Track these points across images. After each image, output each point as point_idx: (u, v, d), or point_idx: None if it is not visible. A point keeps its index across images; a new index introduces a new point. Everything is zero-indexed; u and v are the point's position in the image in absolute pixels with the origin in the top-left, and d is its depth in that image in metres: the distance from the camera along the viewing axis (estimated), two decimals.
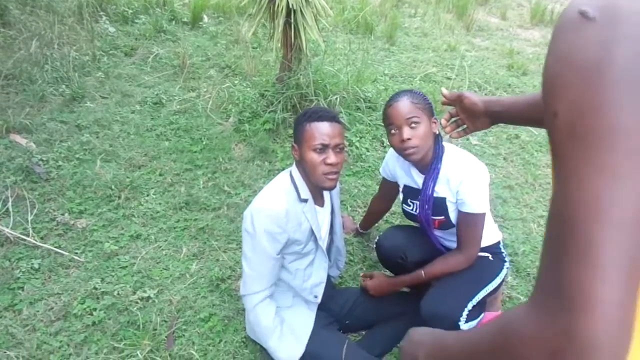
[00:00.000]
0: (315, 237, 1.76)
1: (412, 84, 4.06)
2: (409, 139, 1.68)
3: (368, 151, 3.15)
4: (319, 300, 1.86)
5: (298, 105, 3.24)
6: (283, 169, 2.89)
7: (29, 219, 2.35)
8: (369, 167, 3.03)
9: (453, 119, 1.57)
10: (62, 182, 2.62)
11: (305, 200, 1.70)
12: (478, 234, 1.77)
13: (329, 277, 1.98)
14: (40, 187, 2.56)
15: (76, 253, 2.23)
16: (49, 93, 3.37)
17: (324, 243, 1.84)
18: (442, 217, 1.82)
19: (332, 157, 1.63)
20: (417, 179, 1.87)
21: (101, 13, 4.60)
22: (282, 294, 1.84)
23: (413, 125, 1.70)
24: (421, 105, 1.74)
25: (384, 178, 2.14)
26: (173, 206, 2.57)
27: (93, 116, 3.20)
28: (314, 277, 1.84)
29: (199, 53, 4.26)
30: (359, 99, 3.41)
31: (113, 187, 2.61)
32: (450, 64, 4.60)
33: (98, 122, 3.16)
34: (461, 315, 1.68)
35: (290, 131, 3.19)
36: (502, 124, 2.01)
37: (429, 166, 1.78)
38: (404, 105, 1.71)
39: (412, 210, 1.93)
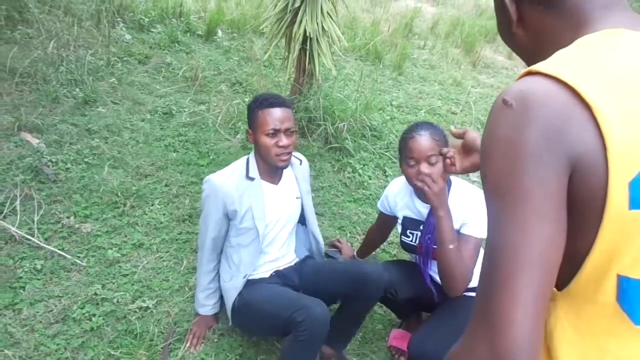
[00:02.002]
0: (253, 216, 1.86)
1: (417, 116, 4.15)
2: (427, 172, 1.73)
3: (370, 179, 3.22)
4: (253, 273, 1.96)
5: (306, 128, 3.31)
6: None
7: (35, 219, 2.39)
8: (370, 194, 3.09)
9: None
10: (69, 184, 2.66)
11: (252, 179, 1.88)
12: (474, 257, 1.77)
13: (311, 256, 2.14)
14: (47, 188, 2.60)
15: (79, 257, 2.27)
16: (62, 95, 3.42)
17: (274, 226, 1.94)
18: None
19: (283, 140, 1.80)
20: (420, 209, 1.93)
21: (118, 19, 4.68)
22: (225, 268, 2.00)
23: (432, 162, 1.75)
24: (441, 143, 1.79)
25: (381, 212, 2.20)
26: (177, 218, 2.61)
27: (104, 121, 3.26)
28: (253, 253, 1.92)
29: (211, 67, 4.35)
30: (366, 127, 3.49)
31: (119, 194, 2.65)
32: (455, 98, 4.71)
33: (108, 127, 3.22)
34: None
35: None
36: None
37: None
38: (426, 141, 1.76)
39: (411, 241, 1.97)
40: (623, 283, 0.61)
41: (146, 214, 2.60)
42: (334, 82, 3.69)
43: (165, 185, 2.83)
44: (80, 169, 2.79)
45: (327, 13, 3.05)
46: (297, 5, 2.88)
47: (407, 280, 1.99)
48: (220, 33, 5.05)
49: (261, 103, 1.83)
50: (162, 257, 2.37)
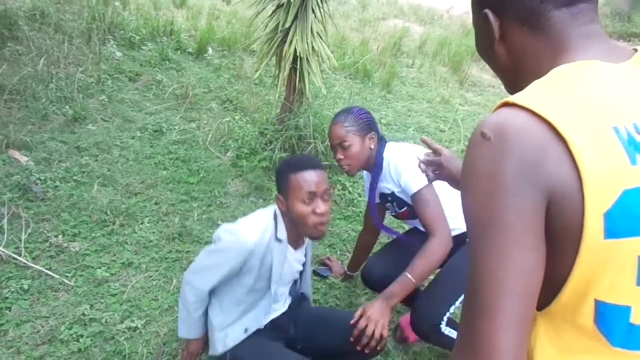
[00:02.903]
0: (270, 276, 1.70)
1: (406, 134, 4.20)
2: (340, 158, 1.96)
3: (360, 196, 3.24)
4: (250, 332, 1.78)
5: (296, 146, 3.33)
6: None
7: (23, 237, 2.36)
8: (360, 212, 3.11)
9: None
10: (58, 203, 2.64)
11: (280, 241, 1.68)
12: (433, 209, 1.78)
13: (304, 296, 1.97)
14: (35, 207, 2.58)
15: (67, 276, 2.24)
16: (52, 112, 3.42)
17: (282, 284, 1.78)
18: (405, 208, 1.98)
19: (321, 207, 1.61)
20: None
21: (109, 37, 4.71)
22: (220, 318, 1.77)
23: (344, 146, 1.94)
24: (351, 127, 1.94)
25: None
26: (166, 236, 2.60)
27: (93, 139, 3.25)
28: (259, 310, 1.76)
29: (202, 84, 4.37)
30: None
31: (108, 212, 2.64)
32: (443, 116, 4.77)
33: (98, 145, 3.21)
34: (442, 320, 1.78)
35: None
36: None
37: (372, 170, 2.02)
38: (336, 130, 1.96)
39: (391, 212, 2.15)
40: (600, 307, 0.63)
41: (135, 233, 2.58)
42: (324, 100, 3.73)
43: (155, 204, 2.82)
44: (69, 187, 2.78)
45: (317, 33, 3.10)
46: (287, 25, 2.92)
47: (395, 262, 1.95)
48: (210, 51, 5.10)
49: (293, 166, 1.63)
50: (151, 276, 2.35)
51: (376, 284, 2.08)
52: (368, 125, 1.99)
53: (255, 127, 3.57)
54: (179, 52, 4.94)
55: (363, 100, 4.37)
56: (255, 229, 1.64)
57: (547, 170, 0.59)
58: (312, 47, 3.05)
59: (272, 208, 1.74)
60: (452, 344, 1.52)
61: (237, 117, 3.86)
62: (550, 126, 0.60)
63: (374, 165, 2.00)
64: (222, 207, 2.91)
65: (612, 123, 0.61)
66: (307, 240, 1.85)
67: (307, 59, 3.05)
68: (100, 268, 2.32)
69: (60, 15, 5.03)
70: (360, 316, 1.66)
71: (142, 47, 4.75)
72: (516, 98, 0.65)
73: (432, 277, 2.10)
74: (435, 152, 1.37)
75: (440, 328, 1.77)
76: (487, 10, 0.76)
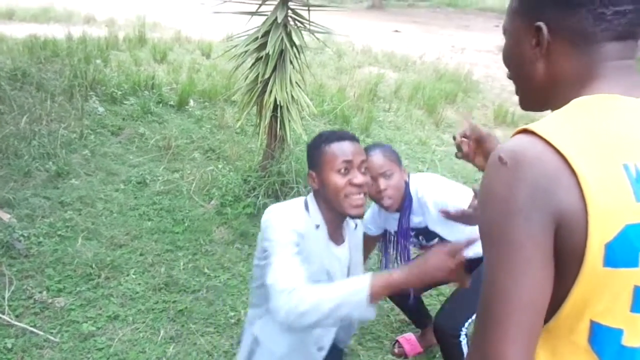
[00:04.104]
0: (329, 273, 1.47)
1: None
2: (385, 189, 1.85)
3: None
4: (323, 353, 1.55)
5: (279, 192, 3.39)
6: None
7: (6, 295, 2.33)
8: None
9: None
10: (42, 259, 2.63)
11: (317, 226, 1.47)
12: None
13: (335, 345, 1.67)
14: (19, 264, 2.56)
15: (52, 333, 2.21)
16: (35, 168, 3.44)
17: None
18: (436, 240, 1.99)
19: (358, 177, 1.43)
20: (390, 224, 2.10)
21: (91, 93, 4.79)
22: (277, 334, 1.47)
23: (387, 177, 1.86)
24: (392, 157, 1.91)
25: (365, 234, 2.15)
26: (153, 287, 2.59)
27: (77, 193, 3.26)
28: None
29: (184, 135, 4.44)
30: None
31: (93, 265, 2.63)
32: (421, 157, 4.90)
33: (82, 199, 3.22)
34: (463, 327, 1.89)
35: None
36: None
37: (402, 205, 1.95)
38: (378, 159, 1.86)
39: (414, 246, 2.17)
40: (595, 328, 0.68)
41: (121, 285, 2.57)
42: (305, 146, 3.83)
43: (140, 255, 2.82)
44: (53, 242, 2.77)
45: (296, 82, 3.23)
46: (267, 76, 3.04)
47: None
48: (192, 103, 5.20)
49: (327, 137, 1.48)
50: (138, 328, 2.32)
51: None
52: (400, 159, 1.98)
53: (238, 174, 3.63)
54: (160, 105, 5.03)
55: None
56: (289, 210, 1.47)
57: (557, 198, 0.64)
58: (292, 96, 3.16)
59: (300, 199, 1.56)
60: (461, 357, 1.57)
61: (220, 166, 3.92)
62: (564, 158, 0.64)
63: (404, 200, 1.93)
64: (208, 254, 2.92)
65: (623, 160, 0.65)
66: (347, 238, 1.60)
67: (287, 107, 3.17)
68: (86, 322, 2.29)
69: (42, 74, 5.13)
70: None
71: (124, 102, 4.83)
72: (536, 127, 0.69)
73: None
74: (472, 129, 1.26)
75: (460, 336, 1.89)
76: (541, 24, 0.75)
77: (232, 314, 2.50)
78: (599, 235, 0.63)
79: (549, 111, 0.81)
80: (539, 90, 0.81)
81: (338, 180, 1.42)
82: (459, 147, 1.29)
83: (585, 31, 0.73)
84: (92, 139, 4.04)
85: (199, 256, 2.89)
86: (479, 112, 6.76)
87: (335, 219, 1.50)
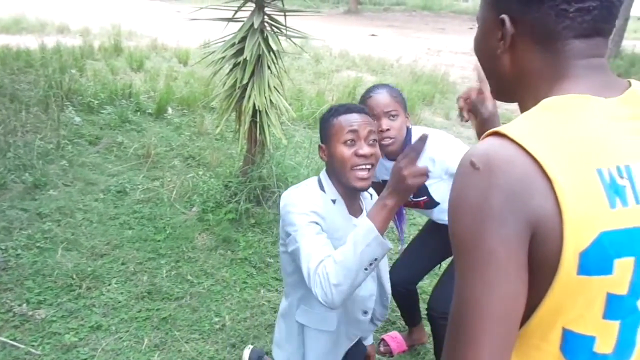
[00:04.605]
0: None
1: None
2: (388, 129, 1.75)
3: None
4: (368, 316, 1.61)
5: (260, 196, 3.40)
6: (246, 258, 2.99)
7: None
8: None
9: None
10: (20, 271, 2.59)
11: (334, 201, 1.49)
12: None
13: (359, 343, 1.72)
14: None
15: (33, 346, 2.18)
16: (10, 180, 3.38)
17: None
18: (425, 197, 1.94)
19: (364, 148, 1.42)
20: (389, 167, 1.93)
21: (67, 103, 4.75)
22: (325, 313, 1.52)
23: (392, 117, 1.77)
24: (399, 98, 1.81)
25: None
26: (135, 296, 2.57)
27: (55, 204, 3.22)
28: (364, 288, 1.54)
29: (163, 143, 4.42)
30: None
31: (74, 276, 2.60)
32: None
33: (60, 210, 3.18)
34: None
35: (253, 221, 3.32)
36: None
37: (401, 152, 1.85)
38: (384, 98, 1.77)
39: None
40: (567, 335, 0.67)
41: (103, 295, 2.54)
42: (285, 151, 3.84)
43: (122, 264, 2.79)
44: (31, 254, 2.73)
45: (274, 87, 3.24)
46: (245, 81, 3.05)
47: (414, 263, 2.19)
48: (170, 110, 5.18)
49: (336, 110, 1.49)
50: (121, 338, 2.30)
51: (401, 294, 2.19)
52: (406, 104, 1.88)
53: (219, 180, 3.63)
54: (138, 113, 5.00)
55: None
56: (304, 189, 1.49)
57: (531, 204, 0.62)
58: (270, 101, 3.18)
59: (314, 178, 1.58)
60: None
61: (200, 173, 3.91)
62: (537, 162, 0.62)
63: (403, 147, 1.82)
64: (191, 261, 2.91)
65: (596, 165, 0.63)
66: (365, 208, 1.60)
67: (266, 112, 3.18)
68: (68, 334, 2.26)
69: (16, 85, 5.06)
70: None
71: (101, 111, 4.79)
72: (507, 130, 0.66)
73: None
74: (480, 90, 1.24)
75: None
76: (504, 17, 0.74)
77: (217, 319, 2.50)
78: (574, 243, 0.61)
79: (515, 104, 0.81)
80: (505, 83, 0.80)
81: (344, 151, 1.42)
82: (460, 112, 1.28)
83: (548, 28, 0.71)
84: (70, 149, 4.00)
85: (181, 263, 2.88)
86: (456, 112, 6.85)
87: (348, 192, 1.50)
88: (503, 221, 0.62)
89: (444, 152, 1.84)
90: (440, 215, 2.06)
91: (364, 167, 1.43)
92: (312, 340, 1.55)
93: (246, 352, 2.19)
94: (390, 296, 1.77)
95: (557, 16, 0.70)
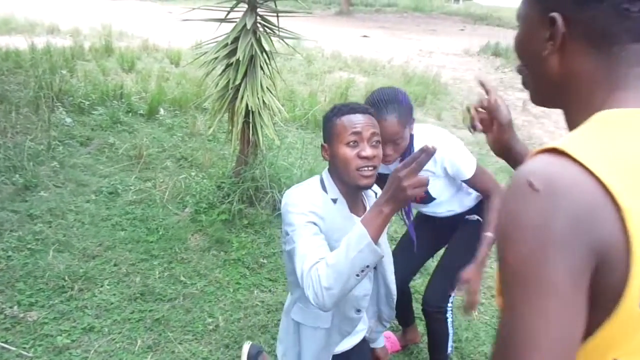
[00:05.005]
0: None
1: None
2: (390, 155, 1.76)
3: None
4: (361, 314, 1.61)
5: (253, 197, 3.40)
6: (239, 259, 2.99)
7: None
8: None
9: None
10: (11, 273, 2.56)
11: (334, 200, 1.49)
12: (488, 178, 1.95)
13: (365, 341, 1.74)
14: None
15: (24, 348, 2.16)
16: (1, 182, 3.36)
17: None
18: (424, 195, 1.97)
19: (367, 150, 1.42)
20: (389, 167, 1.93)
21: (58, 104, 4.71)
22: (316, 312, 1.54)
23: (396, 143, 1.76)
24: (405, 120, 1.76)
25: None
26: (128, 297, 2.56)
27: (46, 205, 3.20)
28: (358, 286, 1.48)
29: (155, 144, 4.41)
30: None
31: (66, 277, 2.58)
32: None
33: (51, 211, 3.16)
34: (448, 302, 2.07)
35: (246, 221, 3.31)
36: None
37: (404, 155, 1.84)
38: (392, 126, 1.72)
39: None
40: None
41: (95, 296, 2.53)
42: (278, 151, 3.85)
43: (114, 265, 2.78)
44: (22, 256, 2.71)
45: (267, 88, 3.25)
46: (238, 82, 3.05)
47: (407, 261, 2.16)
48: (162, 111, 5.16)
49: (340, 109, 1.49)
50: (114, 339, 2.29)
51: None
52: (412, 112, 1.83)
53: (212, 181, 3.62)
54: (130, 114, 4.98)
55: (315, 148, 4.53)
56: (305, 189, 1.49)
57: (597, 231, 0.56)
58: (263, 102, 3.18)
59: (316, 177, 1.58)
60: (445, 334, 1.81)
61: (193, 174, 3.90)
62: (603, 186, 0.56)
63: (404, 153, 1.85)
64: (184, 262, 2.90)
65: None
66: (369, 206, 1.59)
67: (258, 112, 3.18)
68: (60, 335, 2.25)
69: (5, 86, 5.02)
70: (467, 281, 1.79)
71: (93, 112, 4.76)
72: (567, 148, 0.59)
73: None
74: (489, 101, 1.19)
75: (446, 312, 2.05)
76: (556, 15, 0.67)
77: (210, 320, 2.49)
78: None
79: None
80: (551, 87, 0.73)
81: (347, 152, 1.42)
82: (472, 121, 1.20)
83: (605, 29, 0.64)
84: (61, 150, 3.97)
85: (174, 264, 2.87)
86: (448, 113, 6.89)
87: (351, 190, 1.51)
88: (567, 249, 0.56)
89: (445, 150, 1.87)
90: (434, 208, 2.09)
91: (366, 168, 1.43)
92: (307, 338, 1.57)
93: (245, 347, 2.20)
94: (395, 297, 1.76)
95: (618, 16, 0.63)
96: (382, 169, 2.00)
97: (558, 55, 0.69)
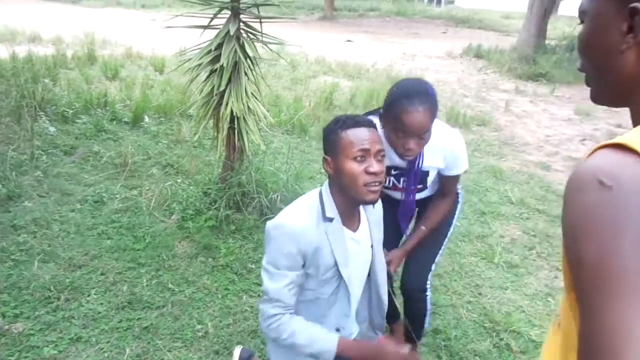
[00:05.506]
0: (336, 264, 1.51)
1: None
2: (413, 149, 1.70)
3: None
4: (341, 333, 1.61)
5: (240, 202, 3.40)
6: (227, 265, 2.99)
7: None
8: None
9: None
10: None
11: (330, 220, 1.50)
12: (455, 187, 2.07)
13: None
14: None
15: None
16: None
17: (351, 276, 1.59)
18: (421, 186, 2.01)
19: (375, 166, 1.43)
20: (395, 159, 1.89)
21: (41, 113, 4.67)
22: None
23: (421, 138, 1.70)
24: (434, 113, 1.70)
25: None
26: (115, 306, 2.54)
27: (30, 215, 3.17)
28: (338, 306, 1.60)
29: (140, 152, 4.38)
30: (298, 195, 3.62)
31: (52, 288, 2.56)
32: None
33: (36, 221, 3.13)
34: (428, 282, 2.13)
35: (233, 227, 3.31)
36: None
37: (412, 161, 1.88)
38: (423, 119, 1.64)
39: (385, 184, 2.00)
40: None
41: (82, 306, 2.51)
42: (264, 157, 3.85)
43: (101, 274, 2.76)
44: (6, 267, 2.67)
45: (252, 93, 3.26)
46: (222, 88, 3.06)
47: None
48: (147, 119, 5.14)
49: (344, 122, 1.47)
50: (102, 349, 2.28)
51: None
52: (437, 106, 1.75)
53: (198, 188, 3.61)
54: (114, 122, 4.95)
55: (301, 153, 4.54)
56: (298, 212, 1.49)
57: None
58: (248, 107, 3.19)
59: (317, 189, 1.59)
60: (426, 310, 1.94)
61: (179, 181, 3.89)
62: None
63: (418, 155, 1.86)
64: (172, 269, 2.89)
65: None
66: (363, 219, 1.64)
67: (244, 118, 3.19)
68: (47, 347, 2.22)
69: None
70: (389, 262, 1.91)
71: (76, 121, 4.72)
72: (632, 143, 0.57)
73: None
74: None
75: (426, 290, 2.14)
76: (638, 5, 0.62)
77: (199, 327, 2.49)
78: None
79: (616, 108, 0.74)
80: (623, 85, 0.69)
81: (354, 167, 1.42)
82: None
83: None
84: (44, 160, 3.93)
85: (162, 272, 2.86)
86: None
87: (352, 205, 1.52)
88: None
89: (452, 142, 1.90)
90: (418, 195, 2.09)
91: (374, 184, 1.44)
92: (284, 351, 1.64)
93: (237, 351, 2.19)
94: (386, 307, 1.79)
95: None
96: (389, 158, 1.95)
97: (636, 50, 0.65)
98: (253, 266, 3.02)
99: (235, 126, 3.20)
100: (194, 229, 3.24)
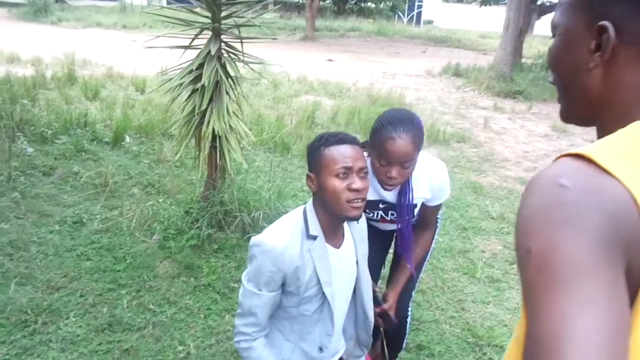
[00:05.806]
0: (319, 282, 1.51)
1: None
2: (395, 178, 1.68)
3: None
4: (324, 353, 1.61)
5: (223, 221, 3.38)
6: (209, 284, 2.96)
7: None
8: None
9: None
10: None
11: (314, 238, 1.50)
12: (435, 218, 2.08)
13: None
14: None
15: None
16: None
17: (335, 293, 1.58)
18: (409, 217, 1.96)
19: (357, 182, 1.43)
20: (380, 191, 1.88)
21: (19, 134, 4.62)
22: (280, 341, 1.60)
23: (405, 166, 1.67)
24: (418, 143, 1.68)
25: None
26: (95, 328, 2.49)
27: (7, 237, 3.11)
28: (321, 324, 1.60)
29: (121, 172, 4.35)
30: (280, 213, 3.62)
31: (29, 311, 2.51)
32: None
33: (12, 243, 3.07)
34: (409, 309, 2.18)
35: (216, 246, 3.29)
36: None
37: (402, 187, 1.84)
38: (405, 147, 1.63)
39: (373, 217, 2.00)
40: None
41: (60, 329, 2.46)
42: (246, 175, 3.85)
43: (80, 296, 2.71)
44: None
45: (233, 112, 3.27)
46: (204, 107, 3.07)
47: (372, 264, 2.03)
48: (128, 139, 5.11)
49: (327, 139, 1.47)
50: None
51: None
52: (423, 137, 1.74)
53: (180, 207, 3.59)
54: (95, 142, 4.91)
55: (284, 171, 4.55)
56: (281, 230, 1.49)
57: (627, 235, 0.53)
58: (230, 126, 3.20)
59: (301, 207, 1.58)
60: (405, 333, 1.93)
61: (160, 200, 3.86)
62: (632, 196, 0.53)
63: (405, 185, 1.84)
64: (153, 290, 2.85)
65: None
66: (347, 235, 1.64)
67: (225, 137, 3.20)
68: None
69: None
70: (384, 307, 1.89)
71: (56, 141, 4.68)
72: (594, 155, 0.56)
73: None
74: None
75: (407, 317, 2.19)
76: (607, 24, 0.61)
77: (181, 348, 2.45)
78: None
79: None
80: (590, 104, 0.68)
81: (337, 184, 1.43)
82: None
83: None
84: (22, 181, 3.88)
85: (143, 292, 2.82)
86: None
87: (336, 221, 1.52)
88: (603, 240, 0.51)
89: (439, 173, 1.90)
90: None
91: (357, 201, 1.45)
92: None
93: None
94: (372, 324, 1.78)
95: None
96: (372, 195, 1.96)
97: (603, 68, 0.64)
98: (236, 285, 2.99)
99: (217, 145, 3.21)
100: (175, 248, 3.21)
